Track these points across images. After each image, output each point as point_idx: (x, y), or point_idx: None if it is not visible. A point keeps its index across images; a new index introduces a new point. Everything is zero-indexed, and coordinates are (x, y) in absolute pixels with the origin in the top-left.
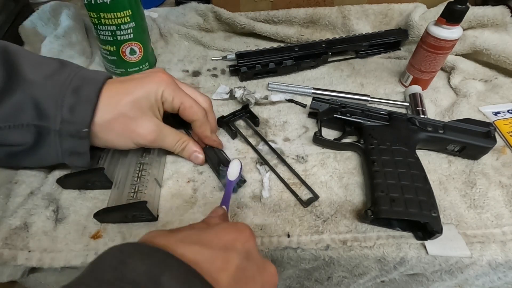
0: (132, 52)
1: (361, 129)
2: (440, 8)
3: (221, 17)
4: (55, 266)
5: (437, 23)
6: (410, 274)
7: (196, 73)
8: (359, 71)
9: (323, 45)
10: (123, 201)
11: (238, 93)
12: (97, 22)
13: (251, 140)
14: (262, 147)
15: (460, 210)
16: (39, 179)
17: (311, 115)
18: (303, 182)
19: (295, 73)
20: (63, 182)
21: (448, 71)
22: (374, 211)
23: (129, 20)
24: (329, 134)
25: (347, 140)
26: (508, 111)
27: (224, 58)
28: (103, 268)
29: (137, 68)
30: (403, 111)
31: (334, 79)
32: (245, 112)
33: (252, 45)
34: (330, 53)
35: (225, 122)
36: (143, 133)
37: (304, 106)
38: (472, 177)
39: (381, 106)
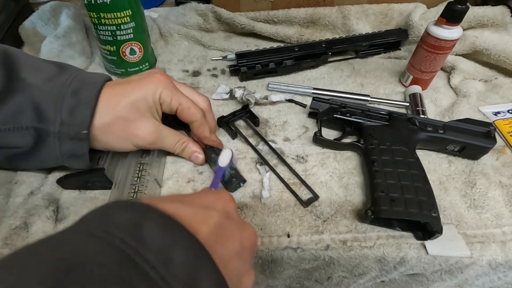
0: (132, 52)
1: (361, 129)
2: (440, 8)
3: (221, 17)
4: None
5: (437, 23)
6: (410, 274)
7: (196, 73)
8: (359, 71)
9: (323, 45)
10: None
11: (238, 93)
12: (97, 22)
13: (251, 140)
14: (262, 147)
15: (460, 210)
16: (39, 179)
17: (311, 115)
18: (303, 182)
19: (295, 73)
20: (63, 183)
21: (448, 71)
22: (374, 211)
23: (129, 20)
24: (329, 134)
25: (347, 140)
26: (508, 111)
27: (224, 58)
28: (86, 221)
29: (137, 68)
30: (403, 111)
31: (334, 79)
32: (245, 112)
33: (252, 45)
34: (330, 53)
35: (225, 122)
36: (142, 135)
37: (304, 106)
38: (472, 177)
39: (381, 106)
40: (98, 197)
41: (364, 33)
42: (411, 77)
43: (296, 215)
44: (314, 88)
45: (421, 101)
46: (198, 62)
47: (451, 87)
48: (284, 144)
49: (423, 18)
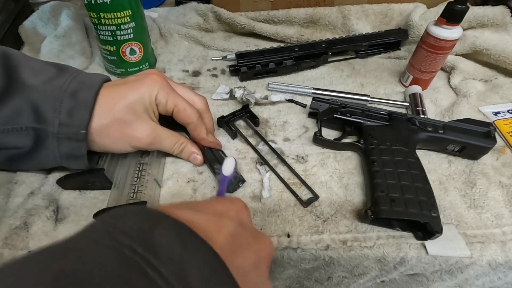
0: (132, 52)
1: (361, 129)
2: (440, 8)
3: (221, 17)
4: None
5: (437, 23)
6: (410, 274)
7: (196, 73)
8: (359, 71)
9: (323, 45)
10: (123, 202)
11: (238, 93)
12: (97, 22)
13: (251, 140)
14: (262, 147)
15: (460, 210)
16: (39, 179)
17: (311, 115)
18: (303, 182)
19: (295, 73)
20: (63, 183)
21: (448, 71)
22: (374, 211)
23: (129, 20)
24: (329, 134)
25: (347, 140)
26: (508, 111)
27: (224, 58)
28: (93, 227)
29: (137, 68)
30: (403, 111)
31: (334, 79)
32: (245, 112)
33: (252, 45)
34: (330, 53)
35: (225, 122)
36: (139, 136)
37: (304, 106)
38: (472, 177)
39: (381, 106)
40: (98, 197)
41: (364, 33)
42: (411, 77)
43: (296, 215)
44: (314, 88)
45: (421, 101)
46: (198, 62)
47: (451, 87)
48: (284, 144)
49: (423, 18)
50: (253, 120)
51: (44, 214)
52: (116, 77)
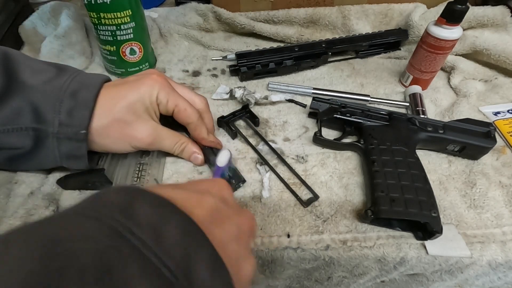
0: (132, 52)
1: (361, 129)
2: (440, 8)
3: (221, 17)
4: None
5: (437, 23)
6: (410, 274)
7: (196, 73)
8: (359, 71)
9: (323, 45)
10: None
11: (238, 93)
12: (97, 22)
13: (251, 140)
14: (262, 147)
15: (460, 210)
16: (39, 179)
17: (311, 115)
18: (303, 182)
19: (295, 73)
20: (63, 183)
21: (448, 71)
22: (374, 211)
23: (129, 20)
24: (329, 134)
25: (347, 140)
26: (508, 111)
27: (224, 58)
28: (78, 204)
29: (137, 68)
30: (403, 111)
31: (334, 79)
32: (245, 112)
33: (252, 45)
34: (330, 53)
35: (225, 122)
36: (140, 136)
37: (304, 106)
38: (472, 177)
39: (381, 106)
40: None
41: (364, 33)
42: (411, 77)
43: (296, 215)
44: (314, 88)
45: (421, 101)
46: (198, 62)
47: (451, 87)
48: (284, 144)
49: (423, 18)
50: (253, 120)
51: (44, 214)
52: (116, 77)
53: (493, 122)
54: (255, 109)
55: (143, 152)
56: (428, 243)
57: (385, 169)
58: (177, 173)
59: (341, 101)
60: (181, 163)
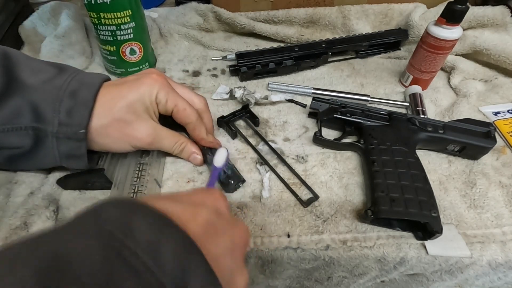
0: (132, 52)
1: (361, 129)
2: (440, 8)
3: (221, 17)
4: None
5: (437, 23)
6: (410, 274)
7: (196, 73)
8: (359, 71)
9: (323, 45)
10: None
11: (238, 93)
12: (97, 22)
13: (251, 140)
14: (262, 147)
15: (460, 210)
16: (39, 179)
17: (311, 115)
18: (303, 182)
19: (295, 73)
20: (63, 183)
21: (448, 71)
22: (374, 211)
23: (129, 20)
24: (329, 134)
25: (347, 140)
26: (508, 111)
27: (224, 58)
28: (78, 218)
29: (137, 68)
30: (403, 111)
31: (334, 79)
32: (245, 112)
33: (252, 45)
34: (330, 53)
35: (225, 122)
36: (139, 136)
37: (304, 106)
38: (472, 177)
39: (381, 106)
40: (98, 197)
41: (364, 33)
42: (411, 77)
43: (296, 215)
44: (314, 88)
45: (421, 101)
46: (198, 62)
47: (451, 87)
48: (284, 144)
49: (423, 18)
50: (253, 120)
51: (44, 214)
52: (116, 77)
53: (493, 122)
54: (255, 109)
55: (143, 152)
56: (428, 243)
57: (385, 169)
58: (177, 173)
59: (341, 101)
60: (181, 163)
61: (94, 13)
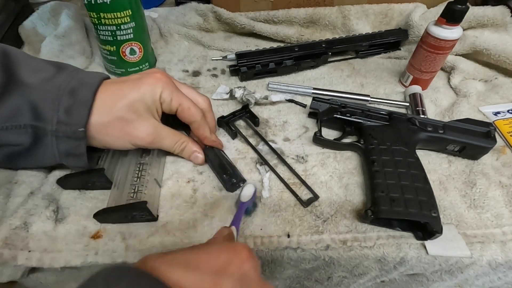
0: (132, 52)
1: (361, 129)
2: (440, 8)
3: (221, 17)
4: (55, 266)
5: (437, 23)
6: (410, 274)
7: (196, 73)
8: (359, 71)
9: (323, 45)
10: (123, 201)
11: (238, 93)
12: (97, 22)
13: (251, 140)
14: (262, 147)
15: (460, 210)
16: (39, 179)
17: (311, 115)
18: (303, 182)
19: (295, 73)
20: (63, 183)
21: (448, 71)
22: (374, 211)
23: (129, 20)
24: (329, 134)
25: (347, 140)
26: (508, 111)
27: (224, 58)
28: None
29: (137, 68)
30: (403, 111)
31: (334, 79)
32: (245, 112)
33: (252, 45)
34: (330, 53)
35: (225, 122)
36: (140, 135)
37: (304, 106)
38: (472, 177)
39: (381, 106)
40: (98, 197)
41: (364, 33)
42: (411, 77)
43: (296, 215)
44: (314, 88)
45: (421, 101)
46: (198, 62)
47: (451, 87)
48: (284, 144)
49: (423, 18)
50: (253, 120)
51: (44, 214)
52: (116, 77)
53: (493, 122)
54: (255, 109)
55: (143, 152)
56: (428, 243)
57: (385, 169)
58: (177, 173)
59: (341, 101)
60: (181, 163)
61: (94, 13)
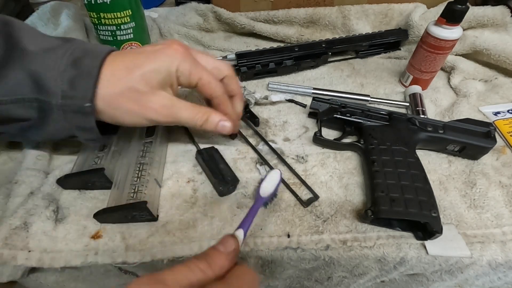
0: None
1: (361, 129)
2: (440, 8)
3: (221, 17)
4: (55, 266)
5: (437, 23)
6: (410, 274)
7: None
8: (359, 71)
9: (323, 45)
10: (123, 201)
11: None
12: (97, 22)
13: (251, 140)
14: (262, 147)
15: (460, 210)
16: (39, 179)
17: (311, 115)
18: (303, 182)
19: (295, 73)
20: (63, 182)
21: (448, 71)
22: (374, 211)
23: (129, 20)
24: (329, 134)
25: (347, 140)
26: (508, 111)
27: (224, 58)
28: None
29: None
30: (403, 111)
31: (334, 79)
32: (245, 112)
33: (252, 45)
34: (330, 53)
35: None
36: (154, 107)
37: (304, 106)
38: (472, 177)
39: (381, 106)
40: (98, 197)
41: (364, 33)
42: (411, 77)
43: (296, 215)
44: (314, 88)
45: (421, 101)
46: None
47: (451, 87)
48: (284, 144)
49: (423, 18)
50: (253, 120)
51: (44, 214)
52: None
53: (493, 122)
54: (255, 109)
55: (143, 152)
56: (428, 243)
57: (385, 169)
58: (177, 173)
59: (341, 101)
60: (181, 162)
61: (94, 13)
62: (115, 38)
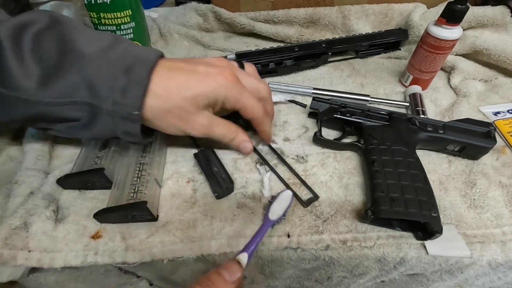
0: None
1: (361, 129)
2: (440, 8)
3: (221, 17)
4: (55, 266)
5: (437, 23)
6: (410, 274)
7: None
8: (359, 71)
9: (323, 45)
10: (123, 201)
11: None
12: (97, 22)
13: (251, 140)
14: (262, 147)
15: (460, 210)
16: (39, 179)
17: (311, 115)
18: (303, 182)
19: (295, 73)
20: (63, 182)
21: (448, 71)
22: (374, 211)
23: (129, 20)
24: (329, 134)
25: (347, 140)
26: (508, 111)
27: (224, 58)
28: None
29: None
30: (403, 111)
31: (334, 79)
32: None
33: (252, 45)
34: (330, 53)
35: None
36: (196, 127)
37: (304, 106)
38: (472, 177)
39: (381, 106)
40: (98, 197)
41: (364, 33)
42: (411, 77)
43: (296, 215)
44: (314, 88)
45: (421, 101)
46: None
47: (451, 87)
48: (284, 144)
49: (423, 18)
50: None
51: (44, 214)
52: None
53: (493, 122)
54: None
55: (143, 152)
56: (428, 243)
57: (385, 169)
58: (177, 173)
59: (341, 101)
60: (181, 163)
61: (94, 13)
62: None
